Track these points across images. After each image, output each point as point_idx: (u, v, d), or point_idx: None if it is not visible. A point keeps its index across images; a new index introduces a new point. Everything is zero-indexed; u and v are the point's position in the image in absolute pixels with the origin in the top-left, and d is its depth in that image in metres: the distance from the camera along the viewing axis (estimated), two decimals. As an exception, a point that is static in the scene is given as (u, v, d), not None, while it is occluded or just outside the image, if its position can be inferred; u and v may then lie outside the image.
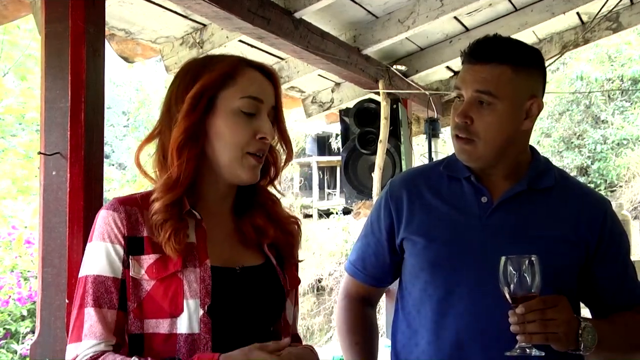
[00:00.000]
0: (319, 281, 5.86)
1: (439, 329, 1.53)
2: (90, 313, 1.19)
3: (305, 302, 5.77)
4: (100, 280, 1.20)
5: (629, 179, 7.87)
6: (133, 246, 1.23)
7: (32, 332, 3.97)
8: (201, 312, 1.22)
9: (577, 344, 1.40)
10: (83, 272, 1.24)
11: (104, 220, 1.23)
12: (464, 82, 1.51)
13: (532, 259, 1.36)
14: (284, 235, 1.38)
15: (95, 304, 1.20)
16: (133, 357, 1.20)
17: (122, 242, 1.22)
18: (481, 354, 1.49)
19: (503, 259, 1.37)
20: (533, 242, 1.48)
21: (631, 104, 8.77)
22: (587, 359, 1.54)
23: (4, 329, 4.20)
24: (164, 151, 1.26)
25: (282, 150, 1.35)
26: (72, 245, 1.72)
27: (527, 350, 1.37)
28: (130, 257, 1.22)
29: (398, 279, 1.69)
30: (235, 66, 1.26)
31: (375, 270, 1.68)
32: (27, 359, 3.94)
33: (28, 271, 4.20)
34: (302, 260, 1.48)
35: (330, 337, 6.44)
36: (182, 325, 1.22)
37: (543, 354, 1.36)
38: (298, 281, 1.46)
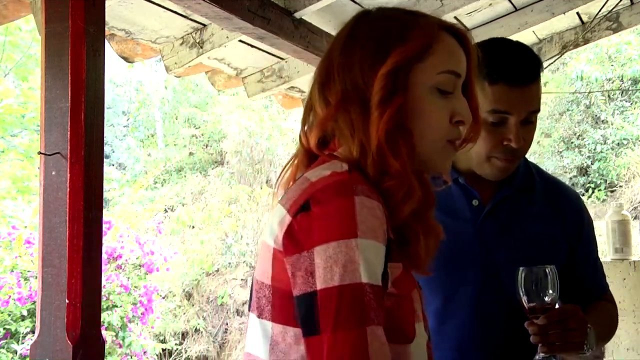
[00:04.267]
0: None
1: (437, 339, 1.40)
2: (376, 334, 0.86)
3: None
4: (378, 290, 0.88)
5: (629, 179, 7.74)
6: (388, 250, 0.93)
7: (32, 332, 3.95)
8: (426, 336, 1.02)
9: (586, 347, 1.38)
10: (349, 279, 0.88)
11: (372, 213, 0.91)
12: (514, 106, 1.40)
13: (550, 269, 1.33)
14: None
15: (379, 321, 0.87)
16: None
17: (385, 244, 0.92)
18: (489, 340, 1.44)
19: (520, 270, 1.33)
20: (530, 244, 1.46)
21: (631, 104, 8.65)
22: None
23: (4, 328, 4.13)
24: (357, 132, 0.98)
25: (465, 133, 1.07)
26: (72, 246, 1.68)
27: None
28: (387, 263, 0.92)
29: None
30: (432, 35, 1.00)
31: None
32: (27, 359, 3.92)
33: (28, 271, 4.14)
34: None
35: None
36: (415, 354, 0.98)
37: None
38: None
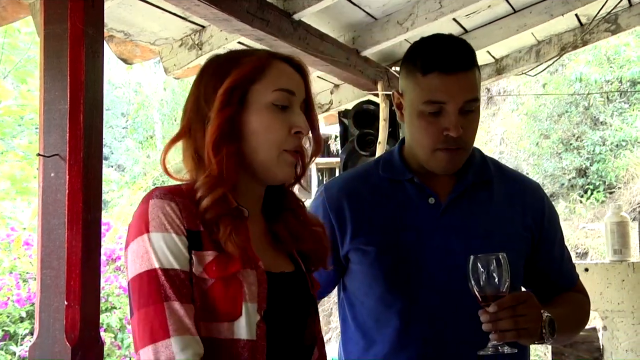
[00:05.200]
0: None
1: (403, 339, 1.51)
2: (173, 307, 1.07)
3: None
4: (173, 273, 1.09)
5: (627, 181, 7.83)
6: (193, 240, 1.13)
7: (31, 333, 4.03)
8: (258, 317, 1.16)
9: (542, 336, 1.42)
10: (146, 266, 1.11)
11: (161, 210, 1.13)
12: (449, 95, 1.45)
13: (500, 256, 1.37)
14: (315, 244, 1.34)
15: (177, 297, 1.08)
16: None
17: (185, 234, 1.12)
18: (448, 355, 1.49)
19: (471, 258, 1.38)
20: (490, 239, 1.49)
21: (630, 105, 8.76)
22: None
23: (3, 330, 4.21)
24: (198, 150, 1.20)
25: (308, 144, 1.29)
26: (71, 247, 1.70)
27: (500, 349, 1.38)
28: (192, 251, 1.12)
29: (339, 288, 1.66)
30: (264, 59, 1.21)
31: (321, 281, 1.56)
32: (26, 361, 3.98)
33: (27, 273, 4.22)
34: (330, 268, 1.41)
35: (330, 338, 6.73)
36: (241, 330, 1.15)
37: (516, 350, 1.37)
38: (319, 285, 1.40)
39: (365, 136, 3.26)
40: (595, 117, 8.84)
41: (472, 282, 1.38)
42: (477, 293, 1.38)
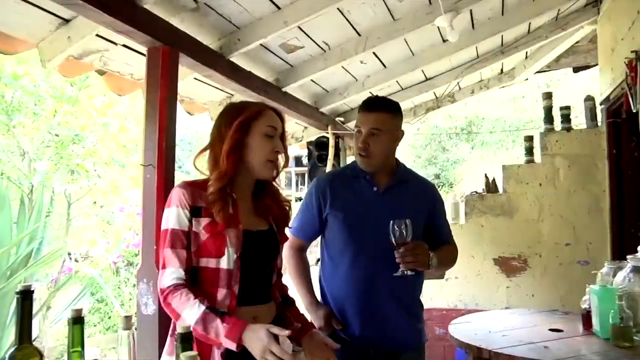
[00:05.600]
0: None
1: (354, 262, 2.11)
2: (171, 252, 1.59)
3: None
4: (175, 231, 1.60)
5: (459, 181, 13.67)
6: (195, 211, 1.61)
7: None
8: (235, 256, 1.60)
9: (429, 266, 2.02)
10: (165, 226, 1.62)
11: (177, 194, 1.63)
12: (362, 123, 2.10)
13: (407, 221, 1.93)
14: (281, 212, 1.81)
15: (173, 245, 1.59)
16: (195, 298, 1.56)
17: (189, 208, 1.60)
18: (378, 276, 2.07)
19: (391, 222, 1.95)
20: (406, 212, 2.00)
21: (461, 140, 15.01)
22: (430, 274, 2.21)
23: (127, 261, 6.43)
24: (216, 157, 1.66)
25: (282, 159, 1.76)
26: (158, 215, 2.24)
27: (405, 272, 1.96)
28: (193, 218, 1.60)
29: (321, 237, 2.25)
30: (262, 108, 1.72)
31: (309, 232, 2.24)
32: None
33: (138, 230, 5.85)
34: (291, 227, 2.01)
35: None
36: (224, 263, 1.60)
37: (413, 273, 1.99)
38: (286, 239, 1.87)
39: (321, 155, 4.63)
40: (443, 147, 14.94)
41: (391, 235, 1.93)
42: (393, 242, 1.94)
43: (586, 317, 2.47)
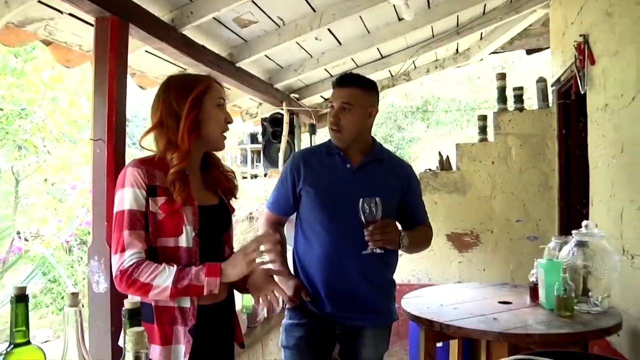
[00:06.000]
0: (250, 214, 7.34)
1: (325, 241, 2.15)
2: (129, 233, 1.55)
3: (242, 226, 7.15)
4: (133, 212, 1.57)
5: (415, 159, 13.58)
6: (151, 191, 1.59)
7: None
8: (193, 234, 1.62)
9: (400, 244, 2.06)
10: (120, 208, 1.58)
11: (132, 174, 1.59)
12: (335, 98, 2.14)
13: (377, 199, 1.96)
14: (229, 182, 1.84)
15: (131, 227, 1.56)
16: (162, 264, 1.56)
17: (145, 188, 1.58)
18: (348, 252, 2.11)
19: (361, 200, 1.97)
20: (378, 190, 2.03)
21: (416, 119, 15.53)
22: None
23: (80, 239, 6.23)
24: (170, 135, 1.63)
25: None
26: (109, 191, 2.22)
27: (374, 250, 1.99)
28: (149, 198, 1.58)
29: (296, 212, 2.29)
30: (211, 81, 1.72)
31: (284, 207, 2.27)
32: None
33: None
34: (238, 199, 1.95)
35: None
36: (182, 242, 1.60)
37: (383, 251, 2.01)
38: (234, 210, 1.90)
39: (275, 132, 4.59)
40: (399, 125, 15.51)
41: (361, 213, 1.96)
42: (363, 220, 1.96)
43: (533, 290, 2.56)
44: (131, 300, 1.03)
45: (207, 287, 1.57)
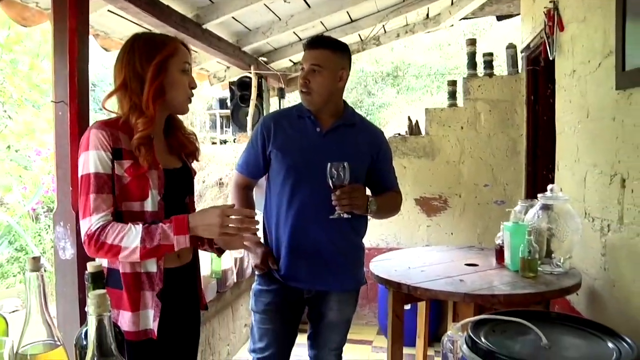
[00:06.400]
0: (220, 179, 7.31)
1: (292, 202, 2.17)
2: (96, 197, 1.54)
3: (211, 192, 7.13)
4: (99, 175, 1.54)
5: (385, 125, 13.53)
6: (116, 154, 1.56)
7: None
8: (159, 197, 1.63)
9: (368, 209, 2.08)
10: (85, 171, 1.54)
11: (96, 136, 1.56)
12: (305, 60, 2.12)
13: (345, 164, 1.96)
14: (192, 146, 1.83)
15: (98, 191, 1.54)
16: (129, 224, 1.55)
17: (110, 150, 1.55)
18: (315, 217, 2.15)
19: (329, 164, 1.97)
20: (348, 155, 2.04)
21: (386, 85, 15.50)
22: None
23: (48, 207, 5.92)
24: (134, 98, 1.60)
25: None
26: (73, 154, 2.17)
27: (341, 215, 2.01)
28: (114, 161, 1.56)
29: (266, 175, 2.29)
30: (177, 44, 1.68)
31: (253, 169, 2.27)
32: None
33: None
34: (199, 160, 1.93)
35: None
36: (148, 206, 1.60)
37: (350, 216, 2.04)
38: (195, 173, 1.88)
39: (244, 96, 4.51)
40: (369, 91, 15.51)
41: (328, 177, 1.97)
42: (331, 184, 1.98)
43: (499, 252, 2.62)
44: (94, 263, 1.00)
45: (177, 245, 1.57)
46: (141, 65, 1.60)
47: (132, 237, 1.53)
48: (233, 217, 1.61)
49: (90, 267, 0.99)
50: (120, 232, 1.53)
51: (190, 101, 1.70)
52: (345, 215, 1.99)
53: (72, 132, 2.21)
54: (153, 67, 1.59)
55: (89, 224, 1.54)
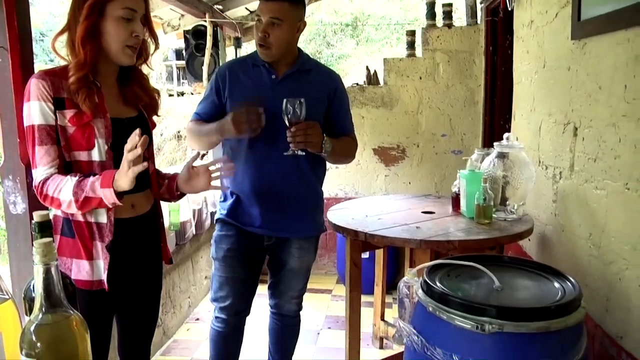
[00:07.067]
0: (178, 132, 7.16)
1: (250, 153, 2.18)
2: (40, 149, 1.54)
3: (170, 145, 7.01)
4: (42, 127, 1.53)
5: (344, 76, 14.90)
6: (58, 104, 1.54)
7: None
8: (106, 147, 1.60)
9: (322, 149, 2.08)
10: (29, 122, 1.54)
11: (37, 86, 1.53)
12: (262, 12, 2.07)
13: (301, 100, 1.95)
14: (151, 100, 1.80)
15: (42, 142, 1.53)
16: (68, 176, 1.56)
17: (51, 100, 1.53)
18: (272, 163, 2.15)
19: (284, 100, 1.95)
20: (305, 99, 2.01)
21: (346, 36, 15.63)
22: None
23: None
24: (73, 42, 1.58)
25: (152, 42, 1.73)
26: (18, 105, 2.06)
27: (296, 152, 2.01)
28: (57, 111, 1.54)
29: None
30: None
31: (209, 118, 2.22)
32: None
33: None
34: (160, 116, 1.92)
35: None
36: (95, 155, 1.59)
37: (304, 153, 2.04)
38: (155, 125, 1.89)
39: (199, 45, 4.37)
40: (328, 42, 15.54)
41: (284, 114, 1.96)
42: (287, 121, 1.97)
43: (455, 200, 2.67)
44: (41, 213, 0.96)
45: (104, 199, 1.53)
46: (78, 7, 1.57)
47: (67, 189, 1.52)
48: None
49: (36, 216, 0.95)
50: (59, 185, 1.53)
51: (130, 51, 1.63)
52: (300, 152, 2.00)
53: (16, 81, 2.08)
54: (86, 8, 1.54)
55: (36, 175, 1.55)
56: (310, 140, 2.00)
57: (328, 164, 2.41)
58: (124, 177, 1.48)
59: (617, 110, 1.81)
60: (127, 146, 1.46)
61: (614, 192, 1.84)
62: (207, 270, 4.31)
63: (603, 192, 1.93)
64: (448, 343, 1.43)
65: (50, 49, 1.67)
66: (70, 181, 1.53)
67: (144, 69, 1.79)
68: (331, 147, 2.10)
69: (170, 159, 7.86)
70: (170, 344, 3.50)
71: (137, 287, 1.81)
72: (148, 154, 1.78)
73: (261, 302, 2.66)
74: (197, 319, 3.91)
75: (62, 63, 1.66)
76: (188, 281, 3.96)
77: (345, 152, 2.30)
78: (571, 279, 1.58)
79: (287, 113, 1.94)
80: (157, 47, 1.75)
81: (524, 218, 2.51)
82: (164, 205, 2.02)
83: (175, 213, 3.42)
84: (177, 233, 3.58)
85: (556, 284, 1.58)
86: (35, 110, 1.52)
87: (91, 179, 1.53)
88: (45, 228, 0.94)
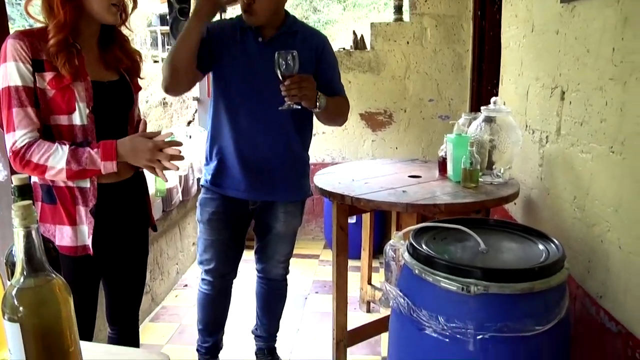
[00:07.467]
0: (164, 99, 7.11)
1: (238, 115, 2.16)
2: (18, 111, 1.49)
3: (155, 112, 6.94)
4: (20, 88, 1.48)
5: (331, 41, 12.59)
6: (37, 66, 1.50)
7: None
8: (87, 110, 1.58)
9: (316, 103, 2.06)
10: (4, 84, 1.49)
11: (14, 47, 1.49)
12: None
13: (294, 53, 1.91)
14: (132, 63, 1.77)
15: (20, 104, 1.49)
16: (57, 143, 1.53)
17: (30, 62, 1.49)
18: (262, 128, 2.15)
19: (276, 53, 1.91)
20: None
21: (332, 1, 15.34)
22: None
23: None
24: (51, 3, 1.53)
25: (130, 1, 1.69)
26: None
27: (291, 106, 1.97)
28: (35, 73, 1.50)
29: (211, 95, 2.25)
30: None
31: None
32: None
33: None
34: (143, 78, 1.89)
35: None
36: (76, 119, 1.57)
37: (299, 107, 2.01)
38: (140, 88, 1.87)
39: (183, 9, 4.26)
40: (315, 7, 15.53)
41: (277, 68, 1.92)
42: (279, 75, 1.93)
43: (442, 164, 2.68)
44: (20, 176, 0.94)
45: (104, 170, 1.58)
46: None
47: (57, 157, 1.52)
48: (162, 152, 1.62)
49: (15, 179, 0.93)
50: (47, 151, 1.51)
51: (114, 10, 1.60)
52: (295, 106, 1.97)
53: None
54: None
55: (13, 139, 1.50)
56: (304, 92, 1.98)
57: (315, 129, 2.39)
58: (139, 145, 1.55)
59: (605, 74, 1.81)
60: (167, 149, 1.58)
61: (599, 156, 1.85)
62: (194, 237, 4.31)
63: (588, 155, 1.94)
64: (434, 305, 1.44)
65: (25, 17, 1.64)
66: (60, 149, 1.52)
67: (125, 31, 1.76)
68: (325, 102, 2.09)
69: (155, 126, 7.79)
70: (158, 310, 3.51)
71: (123, 252, 1.81)
72: (130, 118, 1.77)
73: (248, 267, 2.67)
74: (185, 285, 3.92)
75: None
76: (176, 248, 3.96)
77: (338, 111, 2.29)
78: (555, 241, 1.60)
79: (280, 66, 1.91)
80: (135, 6, 1.71)
81: (510, 182, 2.52)
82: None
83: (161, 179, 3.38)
84: (164, 199, 3.56)
85: (540, 246, 1.60)
86: (13, 71, 1.48)
87: (88, 150, 1.54)
88: (25, 192, 0.92)
